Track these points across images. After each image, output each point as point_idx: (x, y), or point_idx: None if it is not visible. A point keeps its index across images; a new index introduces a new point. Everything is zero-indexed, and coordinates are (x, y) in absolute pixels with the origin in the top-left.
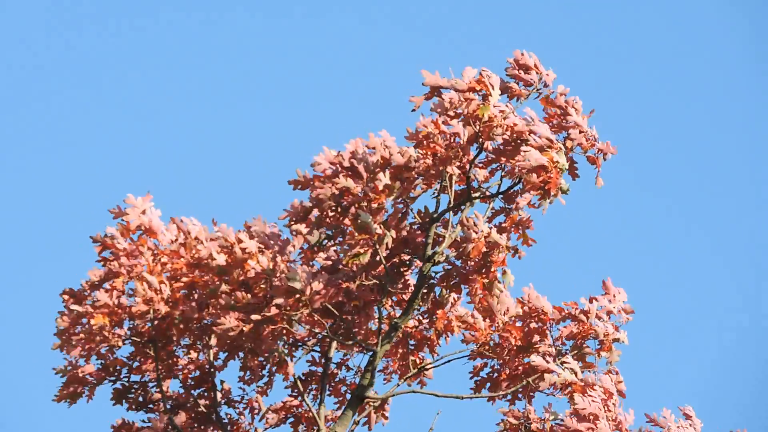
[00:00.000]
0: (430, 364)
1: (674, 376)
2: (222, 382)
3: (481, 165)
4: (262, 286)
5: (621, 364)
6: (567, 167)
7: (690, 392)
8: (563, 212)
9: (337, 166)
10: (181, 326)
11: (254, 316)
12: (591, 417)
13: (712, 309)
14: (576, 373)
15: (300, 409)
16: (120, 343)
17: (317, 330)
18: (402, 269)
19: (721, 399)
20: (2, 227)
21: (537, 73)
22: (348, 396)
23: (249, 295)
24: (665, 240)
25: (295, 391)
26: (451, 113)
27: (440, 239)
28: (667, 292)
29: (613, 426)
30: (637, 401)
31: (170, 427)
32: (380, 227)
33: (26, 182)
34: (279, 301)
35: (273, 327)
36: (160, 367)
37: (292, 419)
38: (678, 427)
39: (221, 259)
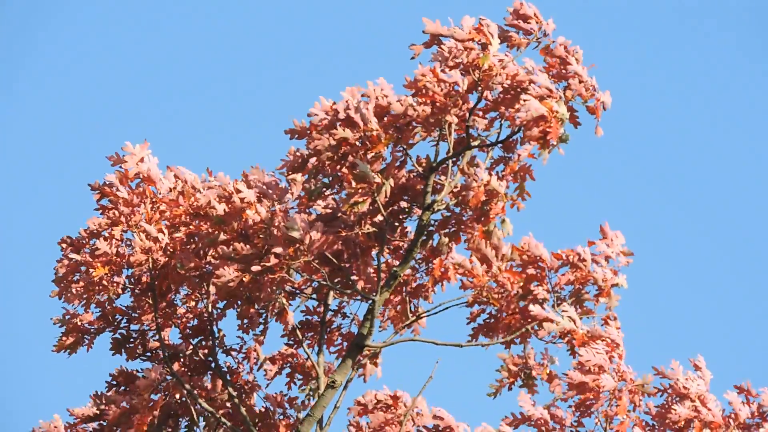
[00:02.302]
0: (427, 312)
1: (680, 323)
2: (220, 330)
3: (480, 114)
4: (261, 236)
5: (632, 313)
6: (567, 117)
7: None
8: (563, 161)
9: (334, 116)
10: (180, 273)
11: (254, 267)
12: (596, 369)
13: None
14: (575, 321)
15: (296, 360)
16: (119, 292)
17: (315, 278)
18: (401, 217)
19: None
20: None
21: (536, 22)
22: (345, 345)
23: (247, 246)
24: (668, 188)
25: (293, 339)
26: (451, 62)
27: (439, 187)
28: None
29: (618, 378)
30: (644, 352)
31: (168, 374)
32: (378, 176)
33: (26, 132)
34: (278, 250)
35: (272, 276)
36: (158, 316)
37: (288, 369)
38: (686, 378)
39: (220, 209)
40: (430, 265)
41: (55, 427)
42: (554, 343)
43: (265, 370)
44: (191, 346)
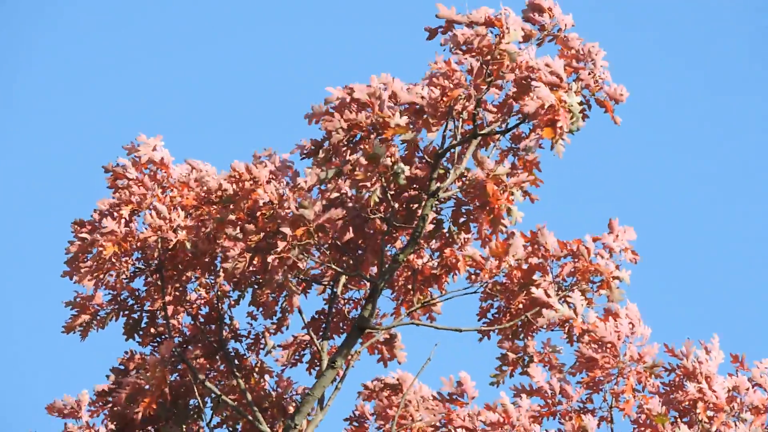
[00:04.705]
0: (435, 299)
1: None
2: (231, 317)
3: (491, 107)
4: (267, 216)
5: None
6: (578, 108)
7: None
8: (590, 155)
9: (348, 98)
10: (190, 255)
11: (260, 245)
12: (609, 346)
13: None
14: (575, 309)
15: (312, 348)
16: (128, 272)
17: (323, 261)
18: (411, 205)
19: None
20: (22, 166)
21: (551, 17)
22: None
23: (254, 226)
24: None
25: (304, 328)
26: (463, 48)
27: (448, 176)
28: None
29: (629, 357)
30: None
31: (175, 355)
32: (390, 160)
33: (47, 125)
34: (286, 230)
35: (279, 257)
36: (166, 293)
37: (297, 356)
38: (696, 359)
39: (230, 189)
40: (443, 254)
41: (78, 402)
42: (553, 330)
43: (274, 357)
44: (202, 332)
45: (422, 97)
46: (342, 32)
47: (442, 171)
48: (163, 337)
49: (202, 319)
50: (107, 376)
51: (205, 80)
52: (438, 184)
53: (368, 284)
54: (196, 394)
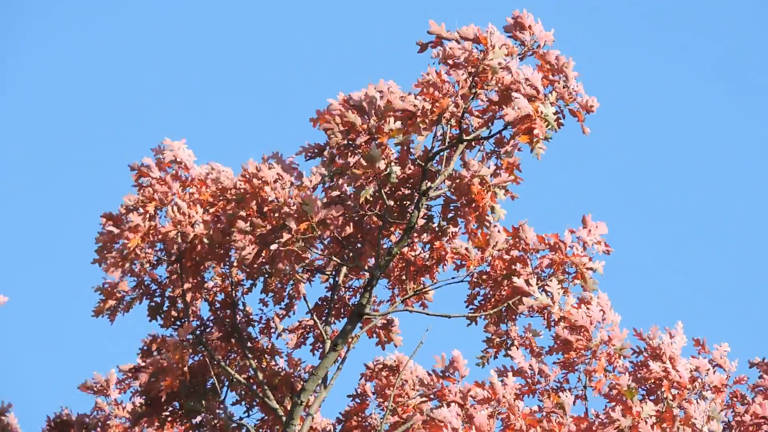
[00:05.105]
0: (426, 288)
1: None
2: (244, 304)
3: (477, 113)
4: (275, 213)
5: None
6: (553, 118)
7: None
8: (577, 158)
9: (347, 104)
10: (207, 246)
11: (268, 238)
12: (583, 330)
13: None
14: (553, 297)
15: (316, 331)
16: (151, 258)
17: (326, 254)
18: (404, 203)
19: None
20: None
21: (531, 33)
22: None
23: (261, 220)
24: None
25: (308, 313)
26: (450, 62)
27: (438, 176)
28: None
29: (600, 340)
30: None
31: (194, 337)
32: (384, 162)
33: (80, 134)
34: (291, 224)
35: (284, 249)
36: (185, 281)
37: (303, 339)
38: (661, 342)
39: (242, 188)
40: (433, 247)
41: (107, 380)
42: (532, 316)
43: (284, 339)
44: (218, 317)
45: (415, 105)
46: (343, 32)
47: (432, 171)
48: (182, 320)
49: (218, 305)
50: (139, 351)
51: (214, 76)
52: (429, 184)
53: (366, 274)
54: (212, 373)
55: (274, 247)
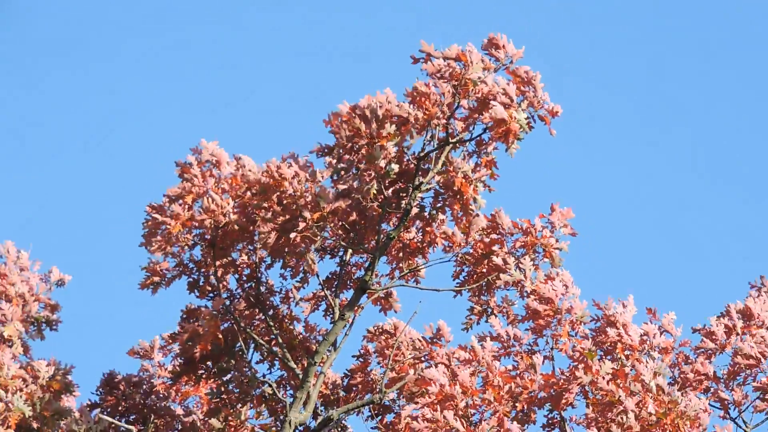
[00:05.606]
0: (420, 266)
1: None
2: (267, 277)
3: (460, 119)
4: (293, 204)
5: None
6: (525, 122)
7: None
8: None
9: (353, 112)
10: (236, 231)
11: (286, 225)
12: (549, 301)
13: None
14: (525, 273)
15: (327, 301)
16: (189, 241)
17: (334, 237)
18: (401, 195)
19: None
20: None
21: (504, 52)
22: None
23: (281, 210)
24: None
25: (320, 285)
26: (438, 75)
27: (428, 173)
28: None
29: (564, 309)
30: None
31: (224, 308)
32: (384, 160)
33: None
34: (306, 214)
35: (300, 234)
36: (218, 266)
37: (315, 307)
38: (616, 311)
39: (265, 182)
40: (425, 231)
41: (151, 346)
42: (508, 289)
43: (302, 308)
44: (244, 289)
45: (408, 113)
46: (343, 32)
47: (424, 168)
48: (215, 293)
49: (244, 279)
50: (179, 319)
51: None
52: (421, 179)
53: (367, 255)
54: (240, 338)
55: (293, 235)
